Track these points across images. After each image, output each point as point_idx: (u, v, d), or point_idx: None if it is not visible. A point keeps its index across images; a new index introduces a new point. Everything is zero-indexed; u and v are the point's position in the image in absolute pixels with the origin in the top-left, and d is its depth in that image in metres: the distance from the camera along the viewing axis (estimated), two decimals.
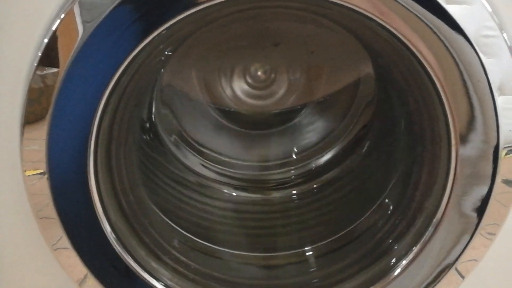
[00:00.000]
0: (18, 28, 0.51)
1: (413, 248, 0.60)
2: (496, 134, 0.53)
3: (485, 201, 0.56)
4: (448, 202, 0.58)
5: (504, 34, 0.51)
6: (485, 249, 0.58)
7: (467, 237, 0.58)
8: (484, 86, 0.51)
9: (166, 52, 0.71)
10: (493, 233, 0.58)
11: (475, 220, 0.57)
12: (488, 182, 0.55)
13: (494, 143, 0.53)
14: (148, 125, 0.81)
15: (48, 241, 0.56)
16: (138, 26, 0.49)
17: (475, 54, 0.50)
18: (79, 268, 0.57)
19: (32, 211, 0.55)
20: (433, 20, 0.49)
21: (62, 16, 0.48)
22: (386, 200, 0.72)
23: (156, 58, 0.65)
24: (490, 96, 0.52)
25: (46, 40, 0.49)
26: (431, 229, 0.59)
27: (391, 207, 0.70)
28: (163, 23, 0.49)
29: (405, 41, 0.51)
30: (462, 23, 0.49)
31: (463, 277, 0.60)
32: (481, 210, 0.56)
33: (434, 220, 0.59)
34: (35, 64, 0.50)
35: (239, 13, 0.69)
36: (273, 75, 0.88)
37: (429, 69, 0.52)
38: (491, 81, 0.51)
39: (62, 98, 0.50)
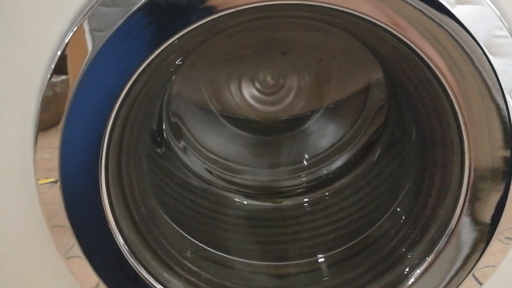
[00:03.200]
0: (31, 39, 0.52)
1: (427, 258, 0.60)
2: (510, 138, 0.52)
3: (500, 206, 0.55)
4: (462, 209, 0.57)
5: None
6: (503, 254, 0.57)
7: (483, 244, 0.57)
8: (496, 90, 0.51)
9: (176, 62, 0.72)
10: (510, 241, 0.57)
11: (491, 227, 0.56)
12: (503, 187, 0.54)
13: (508, 147, 0.53)
14: (158, 135, 0.82)
15: (60, 250, 0.56)
16: (148, 37, 0.49)
17: (485, 57, 0.50)
18: (91, 277, 0.58)
19: (45, 219, 0.55)
20: (443, 21, 0.49)
21: (75, 29, 0.49)
22: (398, 209, 0.71)
23: (164, 70, 0.66)
24: (503, 99, 0.51)
25: (59, 53, 0.50)
26: (445, 237, 0.58)
27: (403, 215, 0.70)
28: (174, 34, 0.50)
29: (413, 46, 0.51)
30: (471, 24, 0.49)
31: (480, 283, 0.59)
32: (497, 216, 0.55)
33: (448, 228, 0.58)
34: (48, 76, 0.51)
35: (246, 24, 0.70)
36: (281, 83, 0.88)
37: (439, 74, 0.52)
38: (503, 86, 0.51)
39: (74, 107, 0.51)
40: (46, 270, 0.61)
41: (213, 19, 0.50)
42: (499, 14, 0.50)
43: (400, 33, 0.50)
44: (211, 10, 0.49)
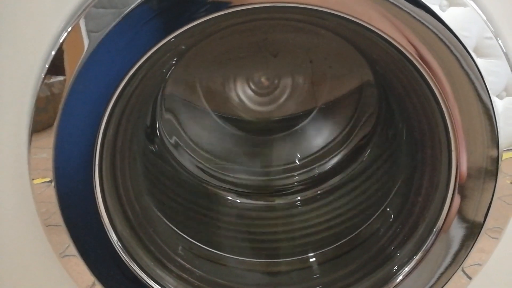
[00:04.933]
0: (26, 39, 0.52)
1: (415, 256, 0.61)
2: (496, 137, 0.53)
3: (488, 204, 0.56)
4: (450, 207, 0.58)
5: (500, 41, 0.51)
6: (491, 250, 0.59)
7: (471, 241, 0.58)
8: (483, 90, 0.52)
9: (170, 62, 0.72)
10: (497, 236, 0.58)
11: (479, 224, 0.57)
12: (490, 185, 0.55)
13: (495, 146, 0.54)
14: (151, 132, 0.82)
15: (56, 249, 0.57)
16: (145, 36, 0.50)
17: (471, 59, 0.51)
18: (87, 276, 0.58)
19: (40, 219, 0.56)
20: (431, 23, 0.50)
21: (69, 29, 0.50)
22: (388, 209, 0.72)
23: (158, 70, 0.66)
24: (489, 100, 0.52)
25: (53, 53, 0.51)
26: (432, 236, 0.60)
27: (392, 214, 0.71)
28: (169, 34, 0.50)
29: (401, 48, 0.52)
30: (458, 26, 0.50)
31: (470, 278, 0.60)
32: (484, 213, 0.57)
33: (436, 226, 0.59)
34: (43, 75, 0.51)
35: (238, 26, 0.70)
36: (273, 84, 0.89)
37: (426, 75, 0.52)
38: (489, 87, 0.52)
39: (69, 107, 0.52)
40: (41, 269, 0.61)
41: (205, 21, 0.50)
42: (484, 18, 0.51)
43: (390, 36, 0.51)
44: (212, 8, 0.49)
